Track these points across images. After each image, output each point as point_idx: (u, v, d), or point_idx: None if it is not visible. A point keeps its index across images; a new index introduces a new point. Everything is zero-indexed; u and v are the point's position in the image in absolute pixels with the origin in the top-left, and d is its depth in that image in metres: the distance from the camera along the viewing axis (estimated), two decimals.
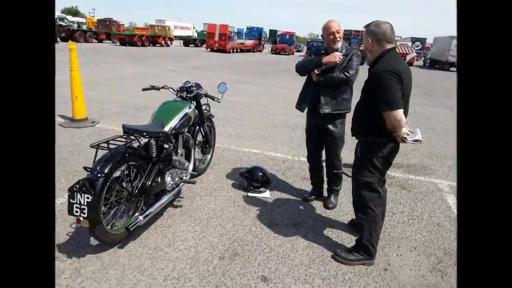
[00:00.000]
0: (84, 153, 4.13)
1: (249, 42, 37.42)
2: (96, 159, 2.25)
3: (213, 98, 3.54)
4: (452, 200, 3.61)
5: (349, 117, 2.78)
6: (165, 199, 2.75)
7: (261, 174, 3.48)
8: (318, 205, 3.30)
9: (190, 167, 3.24)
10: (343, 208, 3.27)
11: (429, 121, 7.55)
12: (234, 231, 2.76)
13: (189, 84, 3.29)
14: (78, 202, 2.06)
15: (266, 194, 3.42)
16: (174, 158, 2.93)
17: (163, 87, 3.30)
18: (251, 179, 3.45)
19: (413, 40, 40.89)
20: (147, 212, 2.54)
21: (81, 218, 2.08)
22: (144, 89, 3.35)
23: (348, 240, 2.75)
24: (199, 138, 3.71)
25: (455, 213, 3.33)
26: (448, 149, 5.51)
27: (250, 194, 3.40)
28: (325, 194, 3.38)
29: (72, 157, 4.02)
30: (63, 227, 2.60)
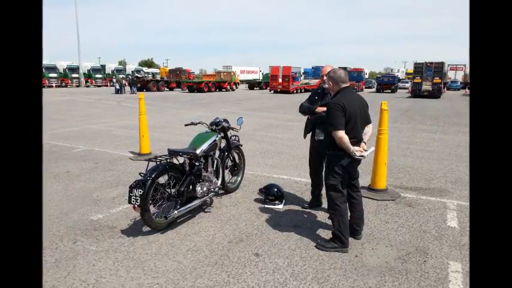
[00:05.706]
0: None
1: (314, 82, 39.12)
2: (147, 168, 3.70)
3: (232, 129, 4.90)
4: (451, 215, 4.25)
5: None
6: (194, 203, 4.07)
7: (276, 189, 4.63)
8: (319, 213, 4.30)
9: (218, 182, 4.55)
10: None
11: (459, 149, 7.81)
12: (245, 227, 3.93)
13: (218, 120, 4.73)
14: (134, 194, 3.49)
15: (279, 207, 4.53)
16: (204, 173, 4.29)
17: (199, 123, 4.79)
18: (267, 193, 4.62)
19: None
20: (181, 209, 3.88)
21: (136, 205, 3.49)
22: (186, 125, 4.88)
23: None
24: (229, 163, 5.04)
25: (448, 224, 4.01)
26: None
27: (266, 206, 4.55)
28: (324, 205, 4.32)
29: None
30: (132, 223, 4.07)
